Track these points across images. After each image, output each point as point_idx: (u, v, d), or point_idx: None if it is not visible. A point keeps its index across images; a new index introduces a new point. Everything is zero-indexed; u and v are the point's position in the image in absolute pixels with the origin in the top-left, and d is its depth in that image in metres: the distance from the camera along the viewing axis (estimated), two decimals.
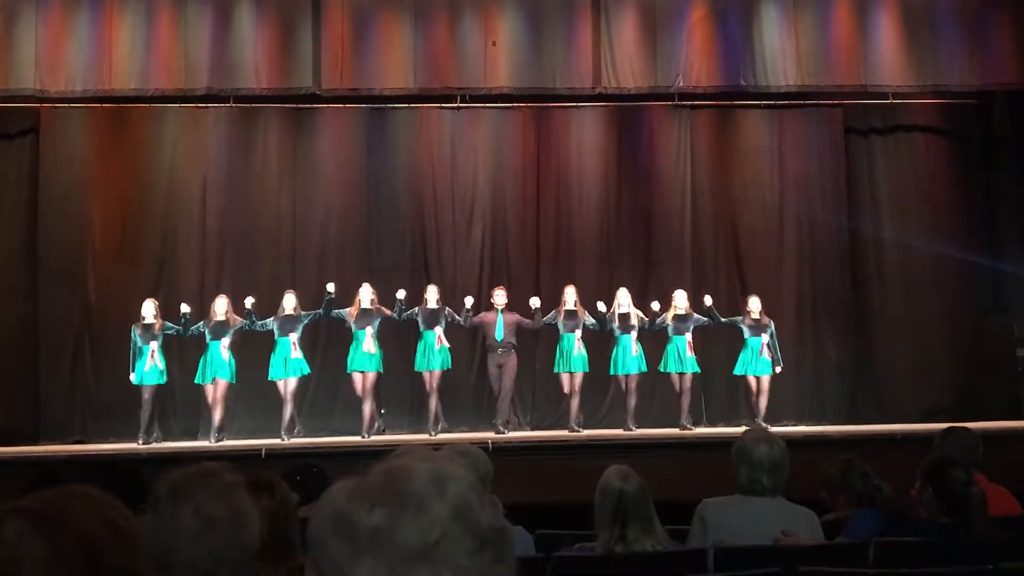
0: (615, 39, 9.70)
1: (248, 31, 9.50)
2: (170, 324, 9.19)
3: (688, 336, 9.36)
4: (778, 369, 9.52)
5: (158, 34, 9.39)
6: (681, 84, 9.78)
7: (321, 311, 9.32)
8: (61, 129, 10.31)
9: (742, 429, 9.19)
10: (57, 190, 10.24)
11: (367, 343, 9.12)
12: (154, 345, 9.03)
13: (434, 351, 9.23)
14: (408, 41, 9.55)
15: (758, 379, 9.45)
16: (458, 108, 10.45)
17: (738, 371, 9.57)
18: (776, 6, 9.78)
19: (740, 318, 9.58)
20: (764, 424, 9.08)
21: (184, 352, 9.63)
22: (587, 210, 10.67)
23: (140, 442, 8.95)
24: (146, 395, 9.05)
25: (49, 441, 9.59)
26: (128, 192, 10.41)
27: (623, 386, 9.42)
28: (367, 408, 9.18)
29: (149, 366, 9.00)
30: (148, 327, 9.09)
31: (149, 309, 9.15)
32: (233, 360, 9.14)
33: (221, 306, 9.18)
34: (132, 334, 9.16)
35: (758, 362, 9.42)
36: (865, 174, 10.86)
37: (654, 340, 9.58)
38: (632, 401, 9.35)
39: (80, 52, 9.31)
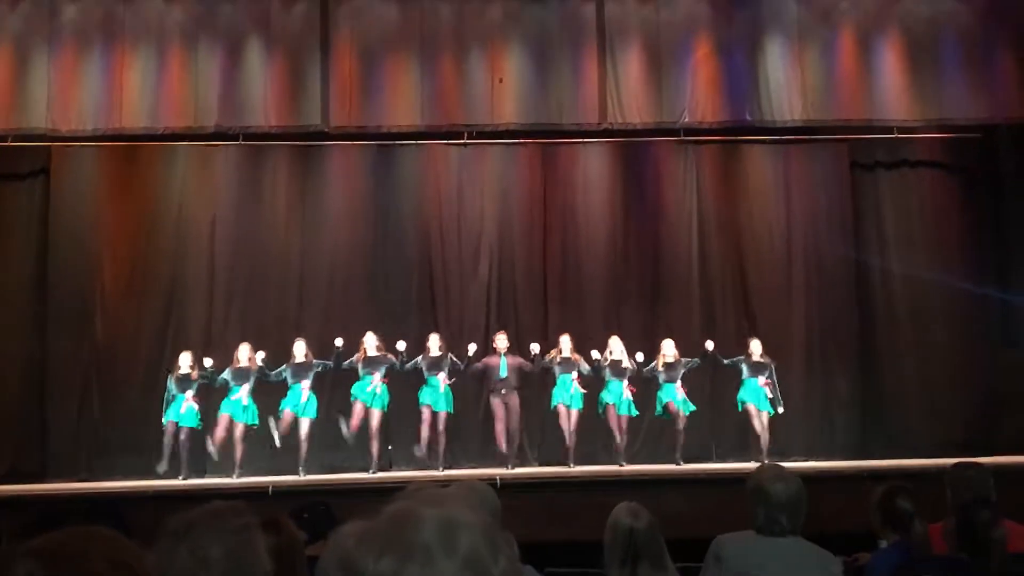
0: (621, 75, 9.76)
1: (257, 70, 9.59)
2: (203, 375, 9.35)
3: (678, 383, 9.51)
4: (780, 410, 9.58)
5: (168, 73, 9.49)
6: (687, 119, 9.82)
7: (331, 363, 9.40)
8: (71, 168, 10.40)
9: (752, 465, 9.26)
10: (67, 229, 10.30)
11: (373, 383, 9.25)
12: (189, 394, 9.25)
13: (439, 393, 9.35)
14: (416, 79, 9.63)
15: (759, 414, 9.50)
16: (465, 145, 10.52)
17: (740, 407, 9.65)
18: (781, 41, 9.83)
19: (741, 359, 9.66)
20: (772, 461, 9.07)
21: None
22: (594, 245, 10.69)
23: (181, 479, 9.09)
24: (183, 436, 9.22)
25: (55, 479, 9.56)
26: (137, 230, 10.46)
27: (612, 424, 9.47)
28: (375, 446, 9.25)
29: (186, 408, 9.21)
30: (184, 377, 9.27)
31: (186, 360, 9.37)
32: (253, 404, 9.29)
33: (244, 352, 9.35)
34: (168, 383, 9.33)
35: (759, 399, 9.51)
36: (871, 209, 10.88)
37: (645, 386, 9.70)
38: (623, 440, 9.44)
39: (91, 91, 9.40)
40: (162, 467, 9.15)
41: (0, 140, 9.61)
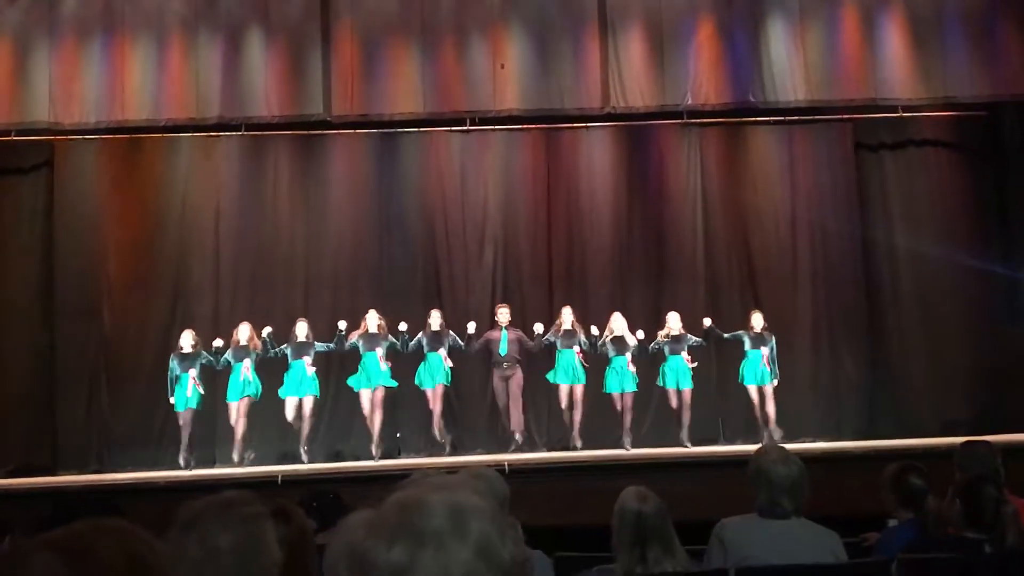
0: (623, 58, 9.72)
1: (258, 60, 9.58)
2: (206, 355, 9.36)
3: (684, 355, 9.52)
4: (775, 381, 9.59)
5: (169, 64, 9.48)
6: (690, 102, 9.78)
7: (334, 346, 9.43)
8: (75, 161, 10.41)
9: (759, 446, 9.27)
10: (72, 222, 10.33)
11: (381, 363, 9.29)
12: (192, 373, 9.23)
13: (439, 370, 9.40)
14: (417, 66, 9.60)
15: (760, 389, 9.55)
16: (468, 131, 10.50)
17: (745, 382, 9.65)
18: (783, 21, 9.78)
19: (742, 332, 9.68)
20: (777, 439, 9.07)
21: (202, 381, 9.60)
22: (598, 230, 10.68)
23: (182, 463, 9.16)
24: (188, 419, 9.23)
25: (67, 472, 9.61)
26: (142, 222, 10.48)
27: (617, 405, 9.48)
28: (376, 423, 9.28)
29: (191, 391, 9.21)
30: (186, 356, 9.28)
31: (187, 339, 9.38)
32: (257, 378, 9.32)
33: (244, 332, 9.38)
34: (171, 363, 9.31)
35: (760, 372, 9.55)
36: (877, 189, 10.83)
37: (651, 360, 9.71)
38: (628, 419, 9.43)
39: (93, 84, 9.40)
40: (184, 459, 9.18)
41: (3, 135, 9.62)
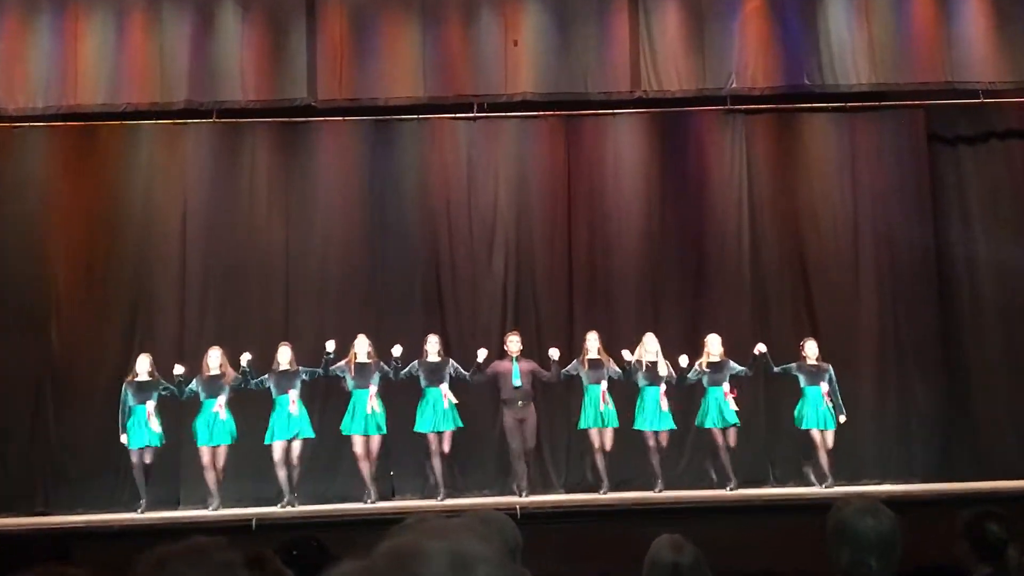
0: (656, 35, 9.77)
1: (233, 38, 9.66)
2: (165, 383, 9.36)
3: (726, 386, 9.48)
4: (842, 419, 9.55)
5: (130, 42, 9.57)
6: (734, 85, 9.82)
7: (320, 371, 9.45)
8: (19, 151, 10.50)
9: (816, 491, 9.25)
10: (15, 222, 10.39)
11: (369, 403, 9.26)
12: (150, 405, 9.23)
13: (441, 410, 9.33)
14: (416, 44, 9.67)
15: (823, 433, 9.47)
16: (475, 118, 10.55)
17: (804, 425, 9.53)
18: None
19: (793, 365, 9.64)
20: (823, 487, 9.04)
21: (163, 413, 9.54)
22: (627, 234, 10.70)
23: (139, 511, 9.11)
24: (146, 459, 9.24)
25: (8, 512, 9.63)
26: (97, 223, 10.54)
27: (649, 443, 9.45)
28: (367, 471, 9.26)
29: (147, 427, 9.19)
30: (143, 385, 9.28)
31: (144, 365, 9.37)
32: (232, 419, 9.28)
33: (214, 359, 9.33)
34: (123, 392, 9.33)
35: (819, 414, 9.48)
36: (953, 187, 10.83)
37: (687, 392, 9.74)
38: (657, 459, 9.40)
39: (41, 64, 9.49)
40: (142, 506, 9.15)
41: None
